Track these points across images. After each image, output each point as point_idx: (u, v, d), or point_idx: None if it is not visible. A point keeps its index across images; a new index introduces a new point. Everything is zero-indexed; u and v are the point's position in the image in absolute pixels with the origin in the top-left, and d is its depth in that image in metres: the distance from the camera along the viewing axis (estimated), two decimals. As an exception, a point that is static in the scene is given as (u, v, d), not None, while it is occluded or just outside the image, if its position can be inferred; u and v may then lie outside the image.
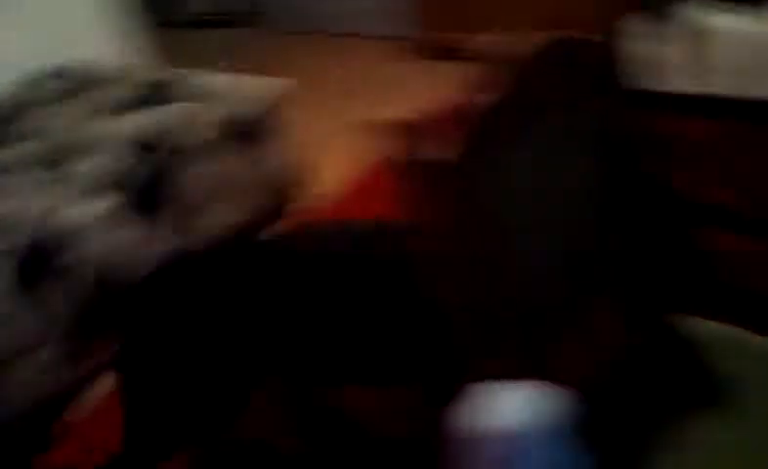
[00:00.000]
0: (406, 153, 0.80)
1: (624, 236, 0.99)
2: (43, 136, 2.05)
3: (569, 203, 0.93)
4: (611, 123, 0.97)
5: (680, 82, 1.96)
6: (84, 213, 1.64)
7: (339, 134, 2.53)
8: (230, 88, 1.99)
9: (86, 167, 1.80)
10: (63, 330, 1.63)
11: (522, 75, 0.82)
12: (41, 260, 1.57)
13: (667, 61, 1.94)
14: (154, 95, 2.08)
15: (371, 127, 0.82)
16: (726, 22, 1.97)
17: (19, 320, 1.53)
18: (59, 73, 2.54)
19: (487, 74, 0.83)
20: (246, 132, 1.90)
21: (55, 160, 1.88)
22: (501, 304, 0.85)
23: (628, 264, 0.99)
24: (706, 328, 0.99)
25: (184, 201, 1.79)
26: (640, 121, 1.02)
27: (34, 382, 1.58)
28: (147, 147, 1.80)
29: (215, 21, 4.04)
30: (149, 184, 1.73)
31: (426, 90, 2.63)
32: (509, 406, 0.77)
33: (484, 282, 0.84)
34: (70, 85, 2.38)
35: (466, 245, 0.83)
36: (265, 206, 2.01)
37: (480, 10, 2.73)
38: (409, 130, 0.80)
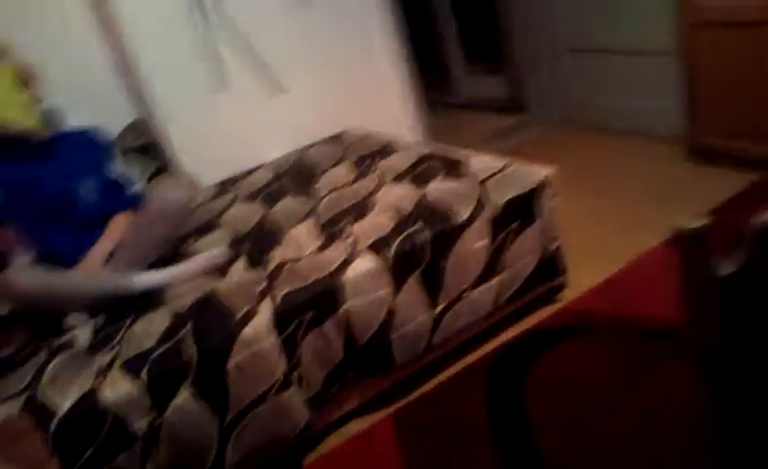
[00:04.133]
0: (692, 261, 0.82)
1: None
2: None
3: None
4: None
5: None
6: (353, 270, 1.74)
7: (605, 226, 2.46)
8: (504, 170, 2.03)
9: (359, 229, 1.93)
10: (307, 377, 1.71)
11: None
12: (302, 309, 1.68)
13: None
14: (444, 168, 2.19)
15: (674, 232, 0.83)
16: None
17: (272, 360, 1.63)
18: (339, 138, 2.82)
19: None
20: (517, 213, 1.91)
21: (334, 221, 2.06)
22: None
23: None
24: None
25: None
26: None
27: (273, 423, 1.66)
28: (418, 216, 1.89)
29: (483, 105, 4.23)
30: (410, 254, 1.80)
31: (702, 195, 2.44)
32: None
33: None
34: (364, 151, 2.64)
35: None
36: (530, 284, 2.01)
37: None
38: (696, 239, 0.81)
